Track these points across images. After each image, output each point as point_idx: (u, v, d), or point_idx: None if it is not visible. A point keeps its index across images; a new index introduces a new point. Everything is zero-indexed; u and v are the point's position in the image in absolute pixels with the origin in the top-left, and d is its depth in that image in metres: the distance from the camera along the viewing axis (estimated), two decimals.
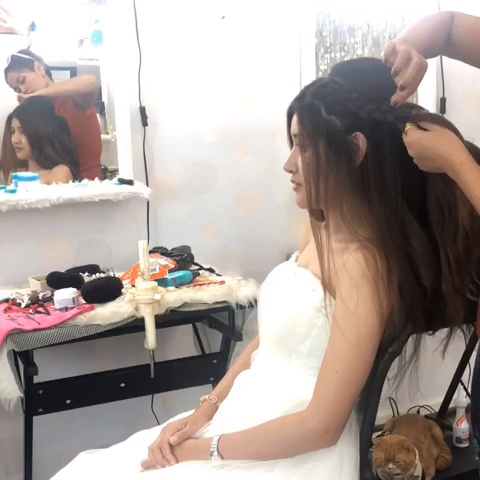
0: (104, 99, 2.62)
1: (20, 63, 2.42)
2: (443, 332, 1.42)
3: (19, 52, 2.41)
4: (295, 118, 1.35)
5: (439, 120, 1.24)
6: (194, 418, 1.48)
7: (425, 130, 1.22)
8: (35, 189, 2.29)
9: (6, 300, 2.06)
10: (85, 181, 2.42)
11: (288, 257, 1.57)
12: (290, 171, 1.38)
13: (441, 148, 1.20)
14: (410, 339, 1.35)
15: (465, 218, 1.30)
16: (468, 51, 1.39)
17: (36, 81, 2.45)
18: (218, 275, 2.31)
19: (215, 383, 2.19)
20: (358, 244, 1.31)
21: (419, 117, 1.24)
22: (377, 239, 1.31)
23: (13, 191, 2.27)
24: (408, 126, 1.23)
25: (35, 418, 2.03)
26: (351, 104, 1.28)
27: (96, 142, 2.62)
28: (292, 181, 1.38)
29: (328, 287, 1.31)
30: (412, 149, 1.23)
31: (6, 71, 2.40)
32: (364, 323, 1.27)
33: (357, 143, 1.29)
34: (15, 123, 2.45)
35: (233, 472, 1.32)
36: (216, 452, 1.33)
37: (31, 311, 1.97)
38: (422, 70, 1.24)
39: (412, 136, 1.22)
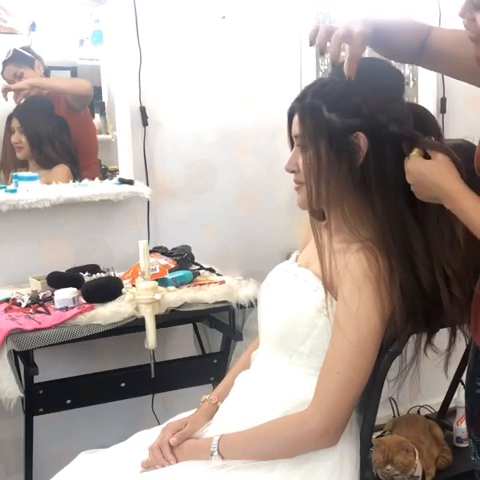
0: (104, 99, 2.62)
1: (21, 59, 2.41)
2: (443, 334, 1.41)
3: (21, 48, 2.40)
4: (296, 119, 1.35)
5: (442, 149, 1.25)
6: (194, 418, 1.48)
7: (428, 158, 1.23)
8: (35, 189, 2.29)
9: (6, 300, 2.06)
10: (85, 181, 2.42)
11: (288, 257, 1.57)
12: (292, 171, 1.38)
13: (438, 176, 1.21)
14: (411, 340, 1.35)
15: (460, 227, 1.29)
16: (445, 56, 1.36)
17: None
18: (218, 275, 2.31)
19: (215, 383, 2.19)
20: (360, 244, 1.31)
21: (424, 144, 1.25)
22: (379, 239, 1.31)
23: (13, 191, 2.27)
24: (414, 151, 1.25)
25: (35, 418, 2.03)
26: (352, 104, 1.28)
27: (92, 141, 2.62)
28: (295, 181, 1.38)
29: (329, 287, 1.31)
30: (411, 176, 1.25)
31: (5, 63, 2.38)
32: (366, 324, 1.26)
33: (358, 143, 1.29)
34: (15, 123, 2.45)
35: (233, 472, 1.31)
36: (216, 452, 1.33)
37: (31, 311, 1.97)
38: (343, 36, 1.24)
39: (412, 164, 1.24)
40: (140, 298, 1.93)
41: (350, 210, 1.34)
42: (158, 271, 2.12)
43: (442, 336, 1.42)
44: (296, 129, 1.35)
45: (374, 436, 2.09)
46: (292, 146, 1.39)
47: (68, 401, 2.05)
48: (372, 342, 1.28)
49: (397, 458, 2.02)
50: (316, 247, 1.35)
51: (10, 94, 2.41)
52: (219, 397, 1.52)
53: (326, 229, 1.37)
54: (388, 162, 1.29)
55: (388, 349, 1.31)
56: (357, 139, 1.28)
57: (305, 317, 1.34)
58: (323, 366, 1.30)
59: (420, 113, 1.36)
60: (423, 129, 1.31)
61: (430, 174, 1.22)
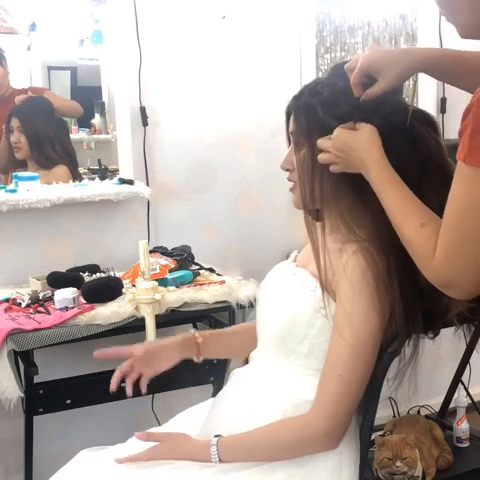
0: (104, 99, 2.62)
1: None
2: (443, 335, 1.41)
3: None
4: (292, 117, 1.35)
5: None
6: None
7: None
8: (35, 189, 2.29)
9: (6, 300, 2.06)
10: (85, 181, 2.43)
11: (288, 257, 1.57)
12: (287, 169, 1.38)
13: (359, 144, 1.23)
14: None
15: None
16: None
17: (5, 78, 2.44)
18: (218, 275, 2.30)
19: (215, 383, 2.20)
20: (356, 245, 1.30)
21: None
22: (375, 239, 1.30)
23: (14, 191, 2.28)
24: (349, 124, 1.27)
25: (35, 418, 2.03)
26: (348, 105, 1.28)
27: None
28: (289, 179, 1.39)
29: (326, 287, 1.31)
30: (334, 142, 1.26)
31: None
32: (364, 325, 1.26)
33: None
34: (15, 122, 2.45)
35: (234, 474, 1.31)
36: (216, 455, 1.33)
37: (31, 311, 1.97)
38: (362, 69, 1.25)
39: (339, 131, 1.26)
40: (140, 298, 1.93)
41: (346, 209, 1.33)
42: (158, 271, 2.12)
43: (441, 336, 1.41)
44: (292, 127, 1.35)
45: (374, 436, 2.09)
46: (289, 144, 1.39)
47: (68, 401, 2.05)
48: (370, 343, 1.27)
49: (405, 452, 2.03)
50: (311, 247, 1.35)
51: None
52: (204, 338, 1.55)
53: (321, 229, 1.37)
54: None
55: (387, 349, 1.31)
56: None
57: (303, 317, 1.33)
58: (323, 369, 1.29)
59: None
60: None
61: (352, 142, 1.24)
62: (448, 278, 1.12)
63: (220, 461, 1.33)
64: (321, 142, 1.28)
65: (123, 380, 2.13)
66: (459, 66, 1.28)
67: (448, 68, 1.28)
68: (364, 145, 1.23)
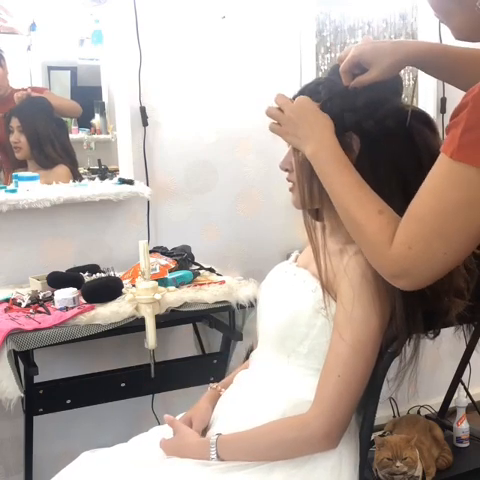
0: (104, 99, 2.62)
1: None
2: (443, 335, 1.41)
3: None
4: None
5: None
6: (197, 406, 1.52)
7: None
8: (35, 189, 2.29)
9: (6, 300, 2.06)
10: (85, 181, 2.43)
11: (288, 257, 1.57)
12: (286, 170, 1.38)
13: (318, 120, 1.24)
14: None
15: None
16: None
17: (4, 78, 2.44)
18: (218, 275, 2.30)
19: (215, 383, 2.19)
20: (357, 246, 1.30)
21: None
22: None
23: (14, 191, 2.28)
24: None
25: (35, 418, 2.03)
26: (346, 105, 1.28)
27: None
28: (288, 179, 1.39)
29: (327, 288, 1.31)
30: (295, 105, 1.26)
31: None
32: (364, 327, 1.26)
33: (350, 142, 1.28)
34: (14, 122, 2.44)
35: (233, 474, 1.31)
36: (215, 454, 1.33)
37: (31, 311, 1.97)
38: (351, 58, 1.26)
39: (304, 98, 1.27)
40: (140, 298, 1.93)
41: None
42: (158, 271, 2.12)
43: (441, 336, 1.41)
44: None
45: (374, 436, 2.09)
46: (289, 144, 1.39)
47: (68, 401, 2.05)
48: (371, 345, 1.27)
49: (405, 452, 2.03)
50: (311, 248, 1.35)
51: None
52: (225, 387, 1.54)
53: (321, 230, 1.36)
54: (381, 163, 1.28)
55: (387, 349, 1.31)
56: (349, 139, 1.28)
57: (303, 317, 1.33)
58: (323, 369, 1.29)
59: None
60: None
61: (313, 114, 1.24)
62: (405, 269, 1.11)
63: (218, 459, 1.33)
64: (279, 98, 1.28)
65: (123, 380, 2.14)
66: (451, 61, 1.28)
67: (440, 63, 1.28)
68: (321, 123, 1.24)
